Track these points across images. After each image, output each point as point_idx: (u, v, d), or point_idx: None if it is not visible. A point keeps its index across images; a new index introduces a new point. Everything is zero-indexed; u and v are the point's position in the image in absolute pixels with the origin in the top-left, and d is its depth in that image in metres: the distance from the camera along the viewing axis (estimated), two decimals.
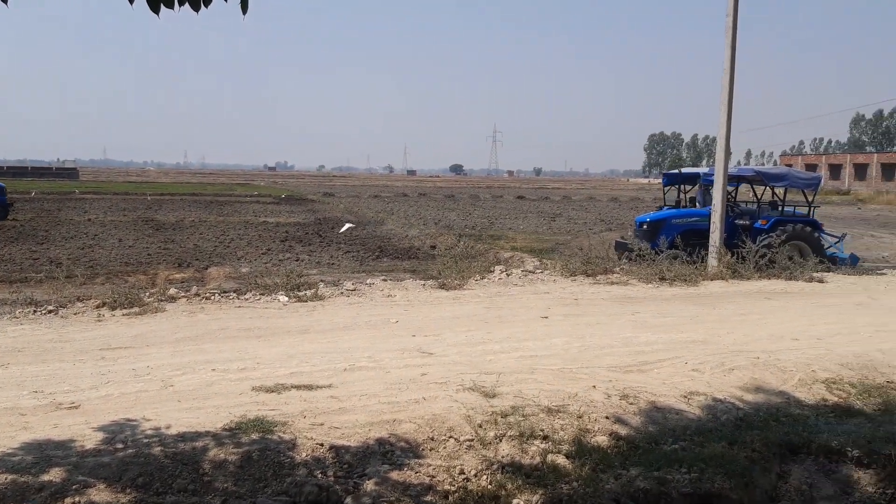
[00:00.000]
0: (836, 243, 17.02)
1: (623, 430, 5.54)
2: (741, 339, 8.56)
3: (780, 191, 16.95)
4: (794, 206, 17.09)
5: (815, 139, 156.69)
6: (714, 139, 17.62)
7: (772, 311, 10.48)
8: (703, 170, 18.78)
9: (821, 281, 13.38)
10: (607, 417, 5.76)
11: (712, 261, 14.24)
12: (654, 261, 13.77)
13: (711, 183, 18.74)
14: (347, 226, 28.00)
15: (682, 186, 20.09)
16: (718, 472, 4.85)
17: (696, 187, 19.31)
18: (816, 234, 15.85)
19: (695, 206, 18.93)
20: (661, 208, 19.99)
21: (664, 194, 20.87)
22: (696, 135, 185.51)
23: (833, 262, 15.57)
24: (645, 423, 5.71)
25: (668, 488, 4.67)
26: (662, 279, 12.88)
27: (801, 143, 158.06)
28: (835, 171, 78.89)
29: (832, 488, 5.13)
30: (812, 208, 16.56)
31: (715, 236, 14.48)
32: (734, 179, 17.05)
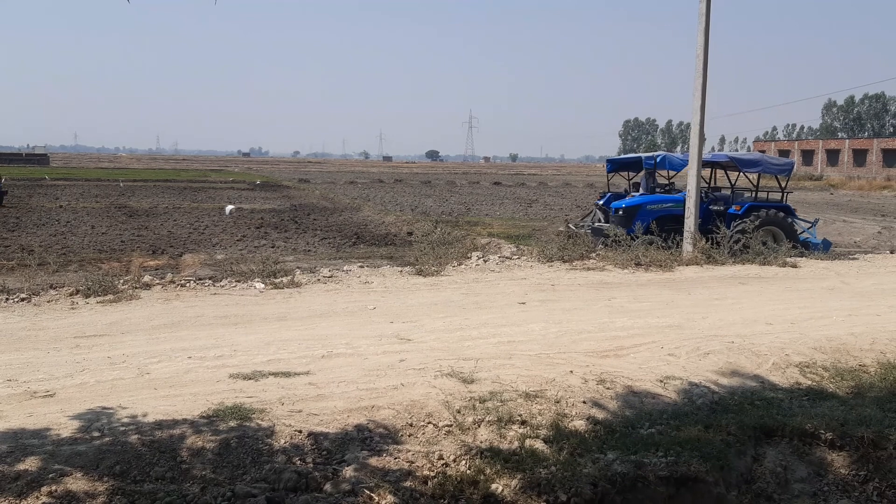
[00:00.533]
0: (808, 228, 17.22)
1: (600, 415, 5.59)
2: (716, 323, 8.65)
3: (753, 176, 17.10)
4: (768, 192, 17.26)
5: (788, 125, 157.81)
6: (688, 125, 17.68)
7: (746, 296, 10.59)
8: (644, 155, 18.90)
9: (794, 266, 13.53)
10: (584, 402, 5.81)
11: (687, 246, 14.35)
12: (629, 246, 13.85)
13: (652, 167, 18.96)
14: (230, 208, 27.99)
15: (628, 173, 20.23)
16: (694, 456, 4.91)
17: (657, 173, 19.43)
18: (789, 220, 16.02)
19: (637, 191, 19.09)
20: (604, 194, 20.11)
21: (608, 181, 20.97)
22: (670, 120, 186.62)
23: (806, 247, 15.76)
24: (622, 408, 5.76)
25: (645, 472, 4.72)
26: (638, 265, 12.97)
27: (774, 128, 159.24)
28: (807, 156, 79.76)
29: (806, 470, 5.22)
30: (785, 194, 16.73)
31: (690, 222, 14.59)
32: (707, 165, 17.18)
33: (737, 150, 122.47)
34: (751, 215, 15.25)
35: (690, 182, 14.75)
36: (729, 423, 5.44)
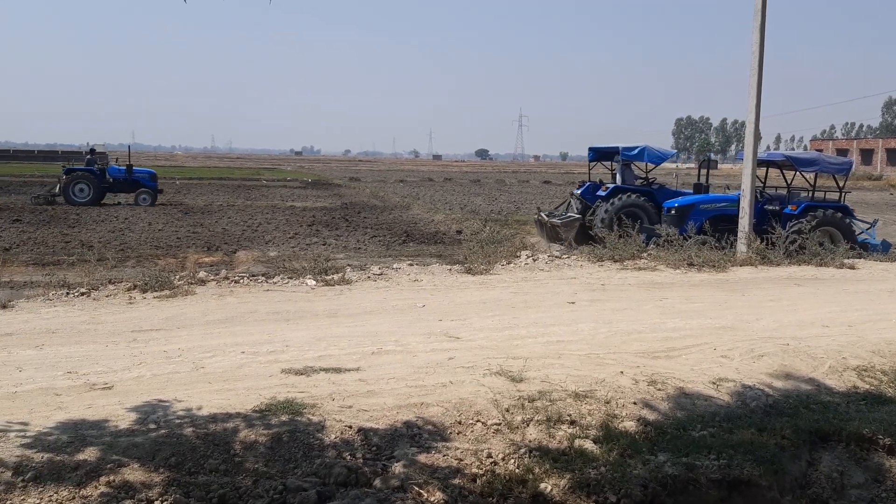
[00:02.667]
0: (867, 229, 16.79)
1: (651, 416, 5.53)
2: (771, 325, 8.49)
3: (810, 176, 16.75)
4: (825, 192, 16.88)
5: (847, 123, 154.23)
6: (743, 123, 17.39)
7: (802, 298, 10.37)
8: (622, 145, 18.71)
9: (852, 267, 13.20)
10: (635, 403, 5.75)
11: (741, 246, 14.10)
12: (681, 246, 13.67)
13: (629, 158, 18.74)
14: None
15: (611, 163, 20.06)
16: (748, 459, 4.84)
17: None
18: (847, 220, 15.64)
19: (614, 181, 18.94)
20: (583, 183, 19.87)
21: (589, 170, 20.74)
22: (724, 119, 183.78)
23: (864, 249, 15.37)
24: (673, 409, 5.69)
25: (697, 474, 4.67)
26: (690, 265, 12.79)
27: (832, 127, 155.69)
28: (866, 156, 77.67)
29: (863, 476, 5.10)
30: (843, 194, 16.33)
31: (744, 222, 14.34)
32: (763, 164, 16.88)
33: (793, 149, 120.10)
34: (807, 215, 14.94)
35: (745, 181, 14.49)
36: (783, 427, 5.34)
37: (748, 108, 14.43)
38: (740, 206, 14.58)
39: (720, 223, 15.36)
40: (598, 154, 20.26)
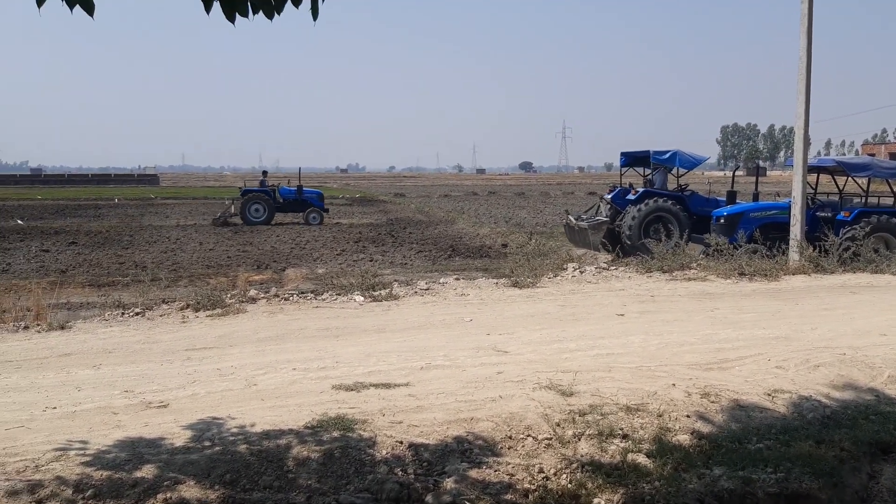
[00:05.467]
0: None
1: (705, 429, 5.44)
2: (826, 334, 8.31)
3: (863, 181, 16.38)
4: (878, 197, 16.48)
5: None
6: (792, 129, 17.13)
7: (857, 306, 10.13)
8: (654, 150, 18.52)
9: None
10: (688, 416, 5.67)
11: (793, 255, 13.84)
12: (732, 256, 13.47)
13: (660, 163, 18.48)
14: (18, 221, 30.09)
15: (644, 169, 19.86)
16: (806, 472, 4.73)
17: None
18: None
19: (651, 186, 18.70)
20: (613, 188, 19.66)
21: (621, 175, 20.55)
22: (772, 125, 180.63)
23: None
24: (728, 422, 5.60)
25: (754, 488, 4.58)
26: (741, 274, 12.58)
27: (885, 130, 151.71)
28: None
29: None
30: None
31: (795, 229, 14.07)
32: (814, 170, 16.58)
33: (844, 154, 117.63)
34: (861, 221, 14.62)
35: (796, 188, 14.23)
36: (842, 439, 5.21)
37: (797, 113, 14.19)
38: (791, 213, 14.32)
39: (771, 231, 15.12)
40: (629, 159, 20.13)
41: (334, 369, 6.94)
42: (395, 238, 24.48)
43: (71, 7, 3.27)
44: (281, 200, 30.89)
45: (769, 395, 6.19)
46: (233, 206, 30.96)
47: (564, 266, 14.04)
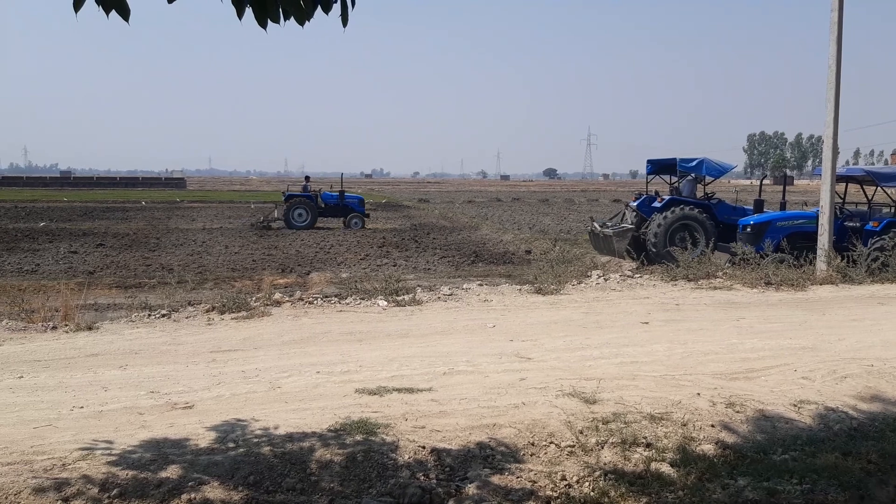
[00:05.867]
0: None
1: (730, 439, 5.40)
2: (853, 345, 8.21)
3: (892, 191, 16.17)
4: None
5: None
6: (820, 138, 16.94)
7: (886, 317, 9.99)
8: (680, 158, 18.40)
9: None
10: (713, 426, 5.62)
11: (821, 264, 13.68)
12: (758, 265, 13.34)
13: (687, 170, 18.32)
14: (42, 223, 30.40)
15: (670, 176, 19.75)
16: (832, 484, 4.67)
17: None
18: None
19: (679, 194, 18.60)
20: (639, 196, 19.55)
21: (647, 182, 20.42)
22: (800, 133, 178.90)
23: None
24: (753, 432, 5.54)
25: (779, 499, 4.52)
26: (768, 284, 12.46)
27: None
28: None
29: None
30: None
31: (823, 239, 13.92)
32: (842, 180, 16.39)
33: (873, 164, 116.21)
34: (890, 231, 14.41)
35: (823, 197, 14.08)
36: (869, 451, 5.14)
37: (826, 122, 14.05)
38: (819, 222, 14.16)
39: (798, 241, 14.95)
40: (656, 167, 20.03)
41: (357, 373, 6.97)
42: (419, 243, 24.51)
43: (107, 12, 3.31)
44: (323, 205, 31.27)
45: (795, 405, 6.13)
46: (276, 211, 31.44)
47: (589, 273, 13.99)
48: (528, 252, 21.71)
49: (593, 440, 5.26)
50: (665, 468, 4.86)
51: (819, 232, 14.09)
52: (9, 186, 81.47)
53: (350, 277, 15.17)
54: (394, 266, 18.49)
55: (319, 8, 3.63)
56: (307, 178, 33.52)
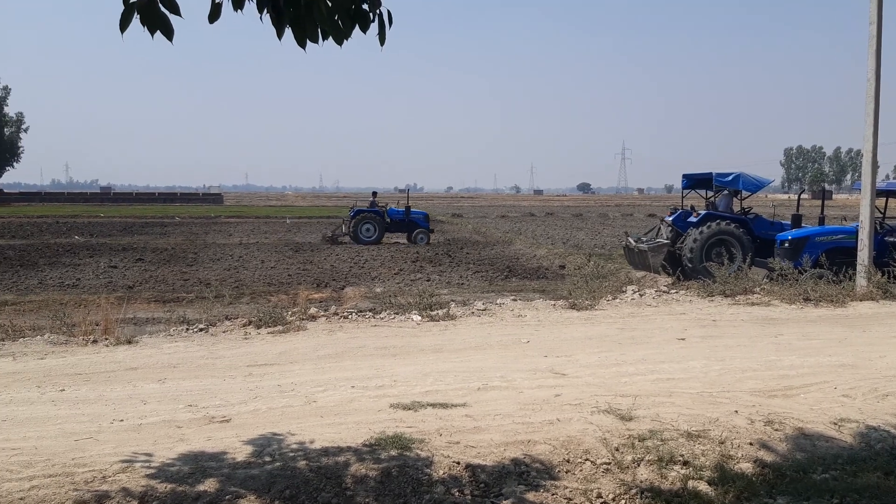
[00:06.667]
0: None
1: (768, 458, 5.32)
2: (895, 363, 8.05)
3: None
4: None
5: None
6: (859, 152, 16.70)
7: None
8: (716, 172, 18.19)
9: None
10: (751, 443, 5.55)
11: (861, 280, 13.46)
12: (797, 280, 13.16)
13: (723, 185, 18.08)
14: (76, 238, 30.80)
15: (706, 192, 19.54)
16: None
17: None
18: None
19: (715, 209, 18.40)
20: (674, 210, 19.34)
21: (682, 197, 20.23)
22: (838, 147, 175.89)
23: None
24: (792, 451, 5.46)
25: None
26: (807, 300, 12.28)
27: None
28: None
29: None
30: None
31: (863, 254, 13.69)
32: (882, 194, 16.12)
33: None
34: None
35: (863, 212, 13.86)
36: None
37: (865, 136, 13.86)
38: (859, 237, 13.94)
39: (837, 256, 14.72)
40: (691, 181, 19.87)
41: (392, 388, 6.99)
42: (453, 258, 24.55)
43: (152, 32, 3.40)
44: (389, 221, 31.70)
45: (835, 424, 6.03)
46: (344, 226, 32.01)
47: (623, 288, 13.91)
48: (562, 267, 21.63)
49: (629, 457, 5.22)
50: (702, 487, 4.81)
51: (859, 247, 13.87)
52: (51, 202, 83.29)
53: (384, 292, 15.23)
54: (427, 281, 18.53)
55: (357, 27, 3.69)
56: (374, 193, 34.10)
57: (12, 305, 14.74)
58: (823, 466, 5.17)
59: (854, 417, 6.16)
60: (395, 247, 29.20)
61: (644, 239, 19.58)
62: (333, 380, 7.30)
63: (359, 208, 31.86)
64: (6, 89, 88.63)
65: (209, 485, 4.64)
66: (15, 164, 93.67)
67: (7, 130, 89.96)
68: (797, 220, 17.74)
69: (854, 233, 14.55)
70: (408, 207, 32.30)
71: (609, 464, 5.15)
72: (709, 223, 17.74)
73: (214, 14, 3.57)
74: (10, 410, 6.35)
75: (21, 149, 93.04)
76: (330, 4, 3.60)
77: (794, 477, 5.00)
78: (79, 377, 7.57)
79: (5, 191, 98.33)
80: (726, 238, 17.54)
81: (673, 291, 13.58)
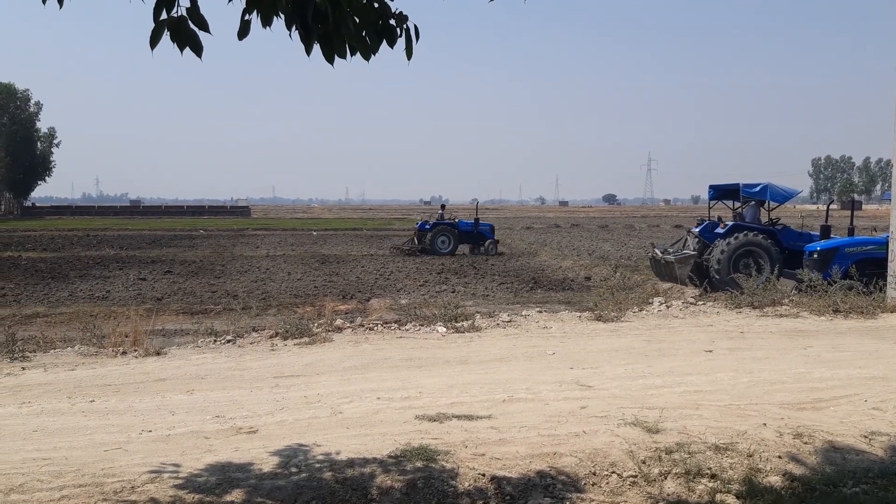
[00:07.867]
0: None
1: (798, 471, 5.26)
2: None
3: None
4: None
5: None
6: (889, 162, 16.49)
7: None
8: (744, 183, 18.03)
9: None
10: (780, 457, 5.49)
11: (891, 291, 13.27)
12: (826, 292, 13.01)
13: (750, 196, 17.86)
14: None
15: (732, 203, 19.38)
16: None
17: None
18: None
19: (742, 220, 18.22)
20: (701, 221, 19.18)
21: (709, 208, 20.05)
22: (867, 157, 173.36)
23: None
24: (821, 464, 5.39)
25: None
26: (836, 311, 12.12)
27: None
28: None
29: None
30: None
31: (894, 265, 13.50)
32: None
33: None
34: None
35: (893, 223, 13.69)
36: None
37: (894, 145, 13.70)
38: (889, 248, 13.76)
39: (867, 267, 14.52)
40: (718, 192, 19.75)
41: (417, 399, 7.00)
42: (477, 270, 24.55)
43: (181, 48, 3.46)
44: (457, 233, 32.41)
45: (866, 437, 5.94)
46: (414, 239, 32.95)
47: (650, 300, 13.83)
48: (588, 278, 21.55)
49: (656, 470, 5.19)
50: (731, 500, 4.77)
51: (889, 258, 13.69)
52: (81, 216, 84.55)
53: (409, 304, 15.26)
54: (452, 292, 18.54)
55: (385, 42, 3.73)
56: (443, 206, 35.20)
57: (44, 317, 14.98)
58: (854, 480, 5.10)
59: (885, 431, 6.07)
60: (420, 258, 29.26)
61: (671, 250, 19.48)
62: (359, 391, 7.33)
63: (434, 221, 32.68)
64: (38, 104, 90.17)
65: (236, 495, 4.68)
66: (47, 178, 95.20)
67: (40, 145, 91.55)
68: (826, 231, 17.55)
69: (884, 243, 14.37)
70: (476, 219, 33.23)
71: (636, 477, 5.12)
72: (736, 234, 17.61)
73: (244, 31, 3.62)
74: (41, 421, 6.44)
75: (53, 163, 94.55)
76: (358, 20, 3.64)
77: (823, 491, 4.93)
78: (108, 388, 7.67)
79: (37, 205, 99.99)
80: (754, 249, 17.41)
81: (700, 303, 13.48)
